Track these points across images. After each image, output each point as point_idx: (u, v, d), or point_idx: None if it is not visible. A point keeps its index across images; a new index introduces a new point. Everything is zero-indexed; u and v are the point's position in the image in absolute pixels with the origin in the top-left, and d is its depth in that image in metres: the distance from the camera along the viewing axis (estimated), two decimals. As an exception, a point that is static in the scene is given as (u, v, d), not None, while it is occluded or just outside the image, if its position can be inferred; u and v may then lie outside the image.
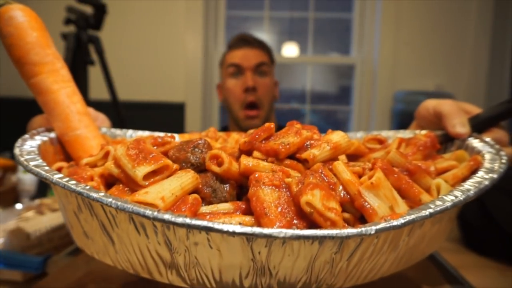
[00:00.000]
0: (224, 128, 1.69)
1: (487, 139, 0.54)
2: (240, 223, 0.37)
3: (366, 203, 0.37)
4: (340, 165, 0.42)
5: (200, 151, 0.45)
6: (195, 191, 0.41)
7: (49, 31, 0.58)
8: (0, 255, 0.57)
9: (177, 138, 0.64)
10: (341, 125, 2.90)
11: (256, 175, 0.39)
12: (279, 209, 0.35)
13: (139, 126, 0.77)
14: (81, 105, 0.57)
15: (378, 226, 0.32)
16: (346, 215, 0.39)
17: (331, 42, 2.87)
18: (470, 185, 0.42)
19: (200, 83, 2.66)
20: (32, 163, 0.41)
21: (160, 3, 2.61)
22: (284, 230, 0.30)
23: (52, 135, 0.56)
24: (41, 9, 0.57)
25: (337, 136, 0.49)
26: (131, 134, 0.70)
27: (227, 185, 0.42)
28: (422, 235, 0.41)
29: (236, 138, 0.66)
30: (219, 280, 0.36)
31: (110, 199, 0.33)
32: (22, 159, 0.43)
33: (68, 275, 0.57)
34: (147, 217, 0.31)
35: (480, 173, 0.45)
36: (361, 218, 0.40)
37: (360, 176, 0.42)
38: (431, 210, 0.35)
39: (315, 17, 2.82)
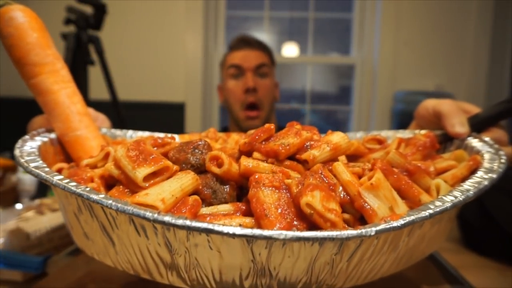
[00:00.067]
0: (225, 129, 1.69)
1: (486, 139, 0.54)
2: (240, 225, 0.37)
3: (366, 204, 0.37)
4: (340, 166, 0.42)
5: (200, 152, 0.45)
6: (195, 192, 0.41)
7: (49, 31, 0.58)
8: (0, 255, 0.57)
9: (177, 138, 0.65)
10: (341, 125, 2.90)
11: (256, 176, 0.39)
12: (279, 211, 0.35)
13: (139, 126, 0.77)
14: (81, 105, 0.57)
15: (378, 227, 0.32)
16: (346, 216, 0.39)
17: (331, 42, 2.87)
18: (470, 185, 0.42)
19: (200, 83, 2.66)
20: (32, 165, 0.41)
21: (160, 3, 2.61)
22: (284, 232, 0.30)
23: (52, 135, 0.56)
24: (41, 9, 0.57)
25: (337, 137, 0.49)
26: (131, 134, 0.70)
27: (227, 186, 0.42)
28: (422, 236, 0.42)
29: (236, 139, 0.66)
30: (219, 281, 0.36)
31: (110, 201, 0.33)
32: (22, 160, 0.43)
33: (68, 275, 0.57)
34: (147, 219, 0.31)
35: (480, 173, 0.45)
36: (361, 218, 0.40)
37: (360, 177, 0.42)
38: (430, 211, 0.35)
39: (315, 17, 2.82)
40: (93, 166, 0.47)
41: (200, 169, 0.44)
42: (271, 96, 1.57)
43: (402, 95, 2.50)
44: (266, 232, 0.30)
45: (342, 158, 0.52)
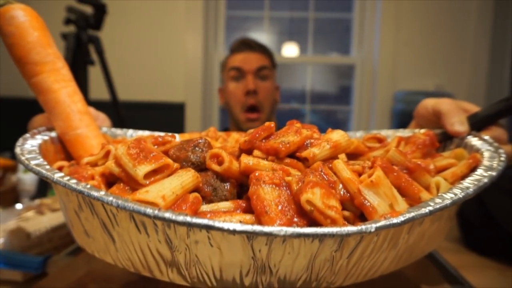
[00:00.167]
0: (225, 130, 1.70)
1: (486, 137, 0.54)
2: (240, 221, 0.37)
3: (366, 201, 0.38)
4: (340, 164, 0.42)
5: (200, 150, 0.45)
6: (195, 190, 0.41)
7: (49, 31, 0.58)
8: (0, 255, 0.57)
9: (178, 138, 0.65)
10: (341, 125, 2.90)
11: (257, 174, 0.39)
12: (280, 208, 0.36)
13: (139, 126, 0.77)
14: (82, 104, 0.58)
15: (378, 224, 0.32)
16: (346, 213, 0.39)
17: (331, 42, 2.87)
18: (469, 183, 0.42)
19: (200, 83, 2.66)
20: (33, 162, 0.42)
21: (160, 3, 2.62)
22: (284, 228, 0.30)
23: (53, 134, 0.56)
24: (41, 9, 0.57)
25: (337, 135, 0.49)
26: (132, 133, 0.70)
27: (227, 184, 0.42)
28: (421, 233, 0.42)
29: (236, 138, 0.66)
30: (219, 278, 0.37)
31: (110, 198, 0.33)
32: (23, 158, 0.43)
33: (68, 275, 0.57)
34: (148, 216, 0.31)
35: (479, 171, 0.45)
36: (361, 216, 0.40)
37: (360, 175, 0.43)
38: (430, 208, 0.35)
39: (315, 17, 2.82)
40: (94, 164, 0.47)
41: (201, 167, 0.44)
42: (271, 99, 1.58)
43: (402, 95, 2.50)
44: (266, 228, 0.30)
45: (342, 156, 0.52)
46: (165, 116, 2.64)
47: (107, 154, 0.47)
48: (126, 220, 0.36)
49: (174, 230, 0.34)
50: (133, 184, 0.40)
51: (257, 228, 0.30)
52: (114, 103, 1.76)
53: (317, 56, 2.85)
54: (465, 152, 0.54)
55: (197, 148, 0.45)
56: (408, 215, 0.34)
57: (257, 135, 0.45)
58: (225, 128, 1.72)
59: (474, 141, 0.55)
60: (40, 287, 0.54)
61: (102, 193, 0.34)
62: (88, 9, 1.59)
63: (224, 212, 0.38)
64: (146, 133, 0.72)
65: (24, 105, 1.51)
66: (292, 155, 0.46)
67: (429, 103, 0.64)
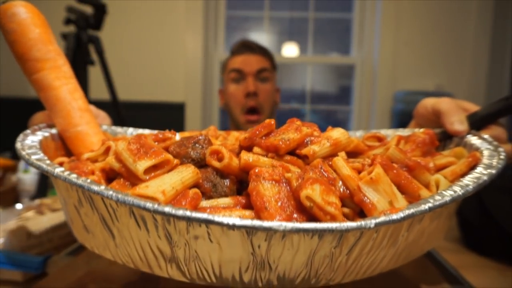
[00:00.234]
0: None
1: (486, 136, 0.54)
2: (240, 217, 0.37)
3: (366, 197, 0.38)
4: (340, 161, 0.42)
5: (200, 146, 0.45)
6: (195, 186, 0.41)
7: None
8: (0, 255, 0.56)
9: (177, 136, 0.65)
10: (341, 125, 2.87)
11: (256, 170, 0.39)
12: (279, 204, 0.36)
13: (139, 126, 0.77)
14: (82, 101, 0.58)
15: (378, 220, 0.32)
16: (346, 210, 0.39)
17: (331, 42, 2.87)
18: (469, 181, 0.42)
19: (200, 83, 2.66)
20: (33, 157, 0.42)
21: (160, 3, 2.62)
22: (284, 223, 0.30)
23: (54, 131, 0.56)
24: (41, 9, 0.57)
25: (337, 133, 0.49)
26: (132, 132, 0.70)
27: (227, 180, 0.42)
28: (421, 231, 0.42)
29: (236, 136, 0.66)
30: (218, 274, 0.37)
31: (110, 192, 0.33)
32: (23, 153, 0.43)
33: (68, 275, 0.57)
34: (148, 210, 0.31)
35: (479, 169, 0.45)
36: (360, 213, 0.40)
37: (359, 172, 0.42)
38: (430, 205, 0.35)
39: (315, 17, 2.83)
40: (94, 160, 0.47)
41: (201, 164, 0.44)
42: (271, 101, 1.59)
43: (402, 95, 2.50)
44: (266, 223, 0.30)
45: (342, 154, 0.52)
46: (165, 116, 2.64)
47: (107, 150, 0.47)
48: (126, 215, 0.36)
49: (174, 225, 0.34)
50: (133, 180, 0.40)
51: (257, 223, 0.30)
52: (114, 103, 1.76)
53: (317, 56, 2.86)
54: (465, 151, 0.54)
55: (197, 145, 0.45)
56: (407, 212, 0.34)
57: (257, 132, 0.45)
58: (225, 129, 1.73)
59: (473, 140, 0.55)
60: (40, 287, 0.54)
61: (102, 187, 0.34)
62: (88, 9, 1.59)
63: (223, 208, 0.38)
64: (146, 131, 0.72)
65: (24, 105, 1.51)
66: (292, 153, 0.46)
67: (428, 103, 0.64)
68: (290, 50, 2.88)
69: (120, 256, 0.40)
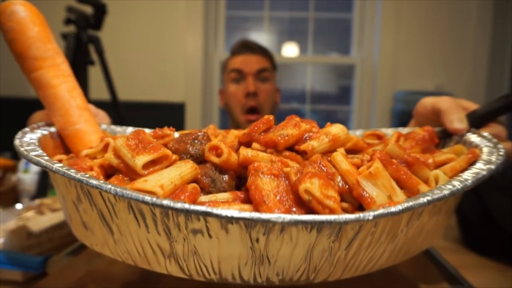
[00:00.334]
0: (225, 131, 1.70)
1: (485, 134, 0.54)
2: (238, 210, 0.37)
3: (365, 192, 0.37)
4: (339, 156, 0.42)
5: (199, 143, 0.45)
6: (194, 181, 0.41)
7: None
8: (0, 255, 0.56)
9: (176, 135, 0.65)
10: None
11: (255, 165, 0.39)
12: (278, 197, 0.36)
13: (139, 126, 0.77)
14: (81, 99, 0.58)
15: (376, 212, 0.32)
16: (345, 204, 0.39)
17: (331, 42, 2.88)
18: (468, 176, 0.42)
19: (200, 83, 2.66)
20: (32, 153, 0.42)
21: (160, 3, 2.62)
22: (282, 215, 0.30)
23: (52, 129, 0.56)
24: (41, 9, 0.57)
25: (336, 129, 0.49)
26: (131, 131, 0.70)
27: (226, 176, 0.42)
28: (420, 227, 0.42)
29: (236, 134, 0.66)
30: (217, 270, 0.36)
31: (109, 186, 0.33)
32: (22, 149, 0.43)
33: (68, 275, 0.57)
34: (146, 203, 0.31)
35: (478, 165, 0.45)
36: (359, 208, 0.40)
37: (358, 168, 0.42)
38: (429, 198, 0.35)
39: (315, 17, 2.83)
40: (93, 157, 0.47)
41: (200, 160, 0.44)
42: (271, 101, 1.59)
43: (402, 95, 2.50)
44: (264, 215, 0.30)
45: (341, 150, 0.52)
46: (165, 116, 2.64)
47: (106, 147, 0.47)
48: (125, 210, 0.36)
49: (173, 219, 0.34)
50: (132, 175, 0.40)
51: (255, 215, 0.30)
52: (114, 103, 1.76)
53: (317, 56, 2.86)
54: (464, 148, 0.54)
55: (196, 141, 0.45)
56: (406, 204, 0.34)
57: (256, 128, 0.45)
58: (225, 129, 1.73)
59: (473, 137, 0.55)
60: (40, 287, 0.53)
61: (101, 181, 0.34)
62: (88, 9, 1.59)
63: (222, 202, 0.38)
64: (146, 130, 0.72)
65: (24, 105, 1.51)
66: (291, 148, 0.46)
67: (428, 102, 0.64)
68: (290, 50, 2.89)
69: (119, 253, 0.40)
